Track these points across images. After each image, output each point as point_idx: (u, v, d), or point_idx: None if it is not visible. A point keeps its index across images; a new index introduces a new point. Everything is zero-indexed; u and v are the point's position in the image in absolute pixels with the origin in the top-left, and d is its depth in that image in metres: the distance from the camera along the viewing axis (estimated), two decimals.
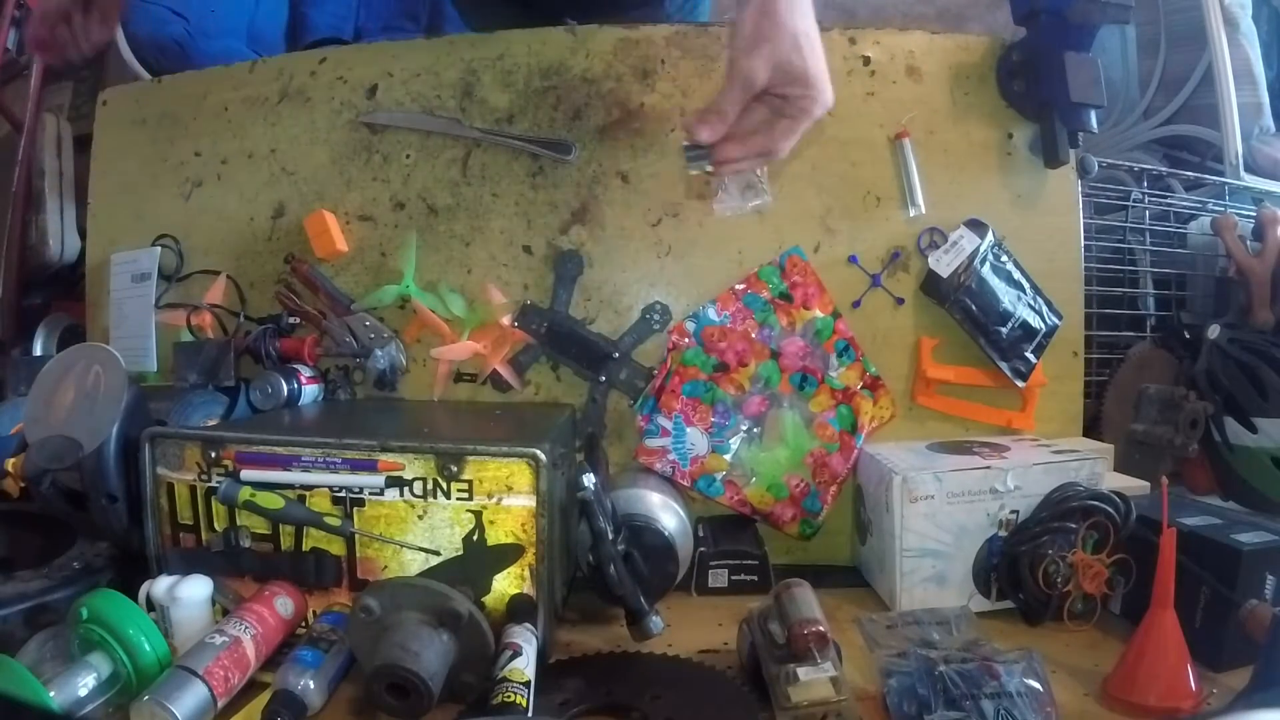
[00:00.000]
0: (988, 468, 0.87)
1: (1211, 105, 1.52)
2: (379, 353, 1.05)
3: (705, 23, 1.07)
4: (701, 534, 0.97)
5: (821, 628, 0.68)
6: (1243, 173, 1.47)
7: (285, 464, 0.75)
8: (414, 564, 0.75)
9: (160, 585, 0.73)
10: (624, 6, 1.19)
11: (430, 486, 0.74)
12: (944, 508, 0.87)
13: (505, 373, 1.05)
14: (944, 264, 1.02)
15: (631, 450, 1.03)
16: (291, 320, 1.08)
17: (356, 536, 0.75)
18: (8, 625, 0.70)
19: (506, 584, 0.76)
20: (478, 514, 0.75)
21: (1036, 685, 0.64)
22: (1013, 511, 0.87)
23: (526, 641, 0.69)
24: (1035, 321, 1.04)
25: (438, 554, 0.75)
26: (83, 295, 1.23)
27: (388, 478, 0.74)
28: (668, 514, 0.89)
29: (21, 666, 0.62)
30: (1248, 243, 1.20)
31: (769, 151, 0.76)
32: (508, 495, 0.74)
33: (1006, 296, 1.03)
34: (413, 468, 0.74)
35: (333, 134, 1.09)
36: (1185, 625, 0.70)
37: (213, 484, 0.76)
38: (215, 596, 0.75)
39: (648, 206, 1.05)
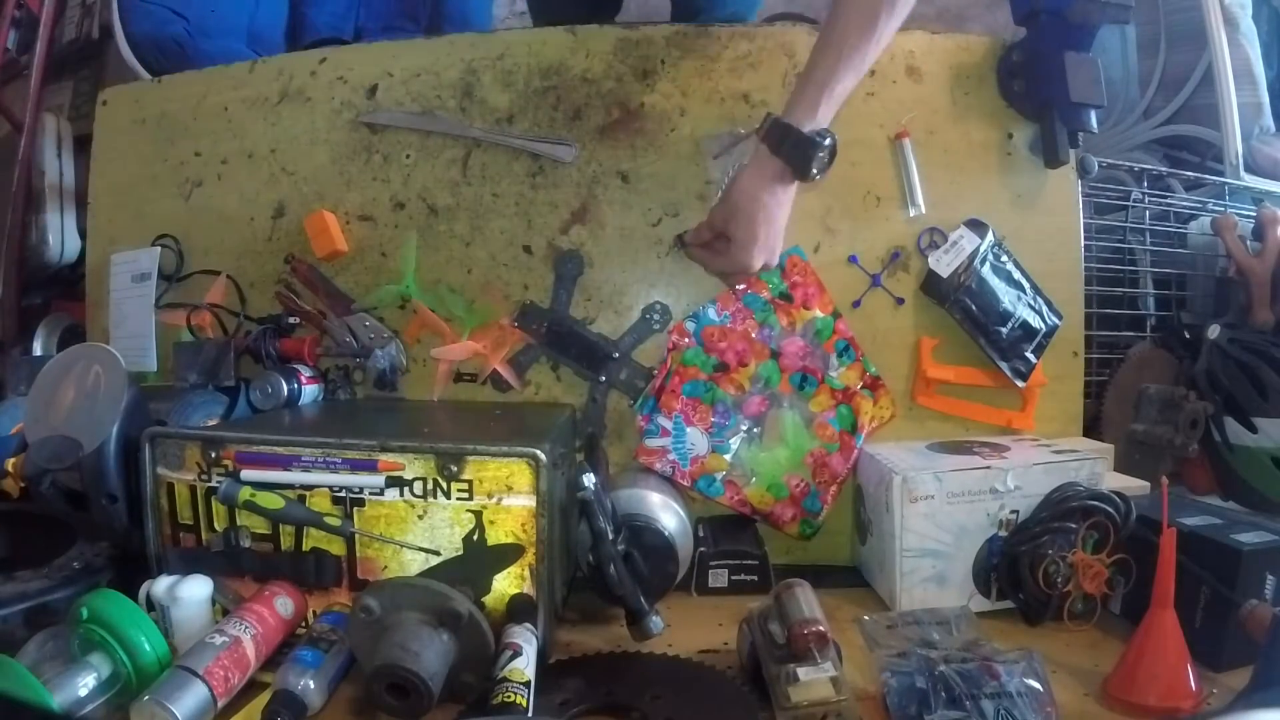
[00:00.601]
0: (988, 468, 0.87)
1: (1211, 105, 1.52)
2: (379, 353, 1.05)
3: (705, 23, 1.07)
4: (701, 534, 0.97)
5: (821, 628, 0.68)
6: (1243, 173, 1.47)
7: (285, 464, 0.75)
8: (414, 564, 0.75)
9: (160, 585, 0.73)
10: None
11: (430, 486, 0.74)
12: (944, 508, 0.87)
13: (505, 373, 1.05)
14: (944, 264, 1.02)
15: (631, 450, 1.03)
16: (291, 320, 1.08)
17: (356, 536, 0.75)
18: (8, 625, 0.70)
19: (506, 584, 0.76)
20: (478, 514, 0.74)
21: (1036, 685, 0.64)
22: (1013, 511, 0.87)
23: (526, 641, 0.69)
24: (1035, 321, 1.04)
25: (438, 554, 0.75)
26: (83, 295, 1.23)
27: (388, 478, 0.74)
28: (668, 514, 0.89)
29: (21, 666, 0.61)
30: (1248, 243, 1.20)
31: (711, 270, 0.99)
32: (508, 495, 0.74)
33: (1006, 296, 1.03)
34: (413, 468, 0.74)
35: (333, 134, 1.09)
36: (1185, 625, 0.70)
37: (213, 484, 0.76)
38: (215, 596, 0.75)
39: (648, 206, 1.05)
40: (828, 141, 0.88)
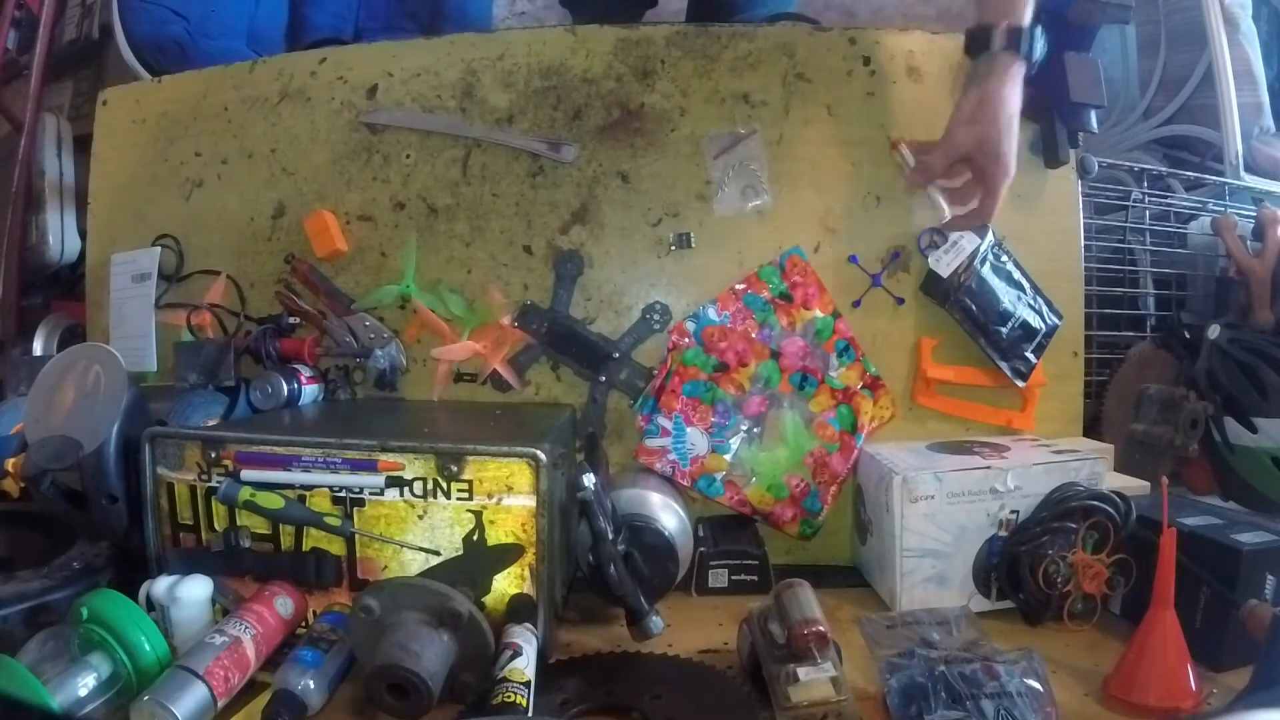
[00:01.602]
0: (988, 468, 0.87)
1: (1211, 105, 1.52)
2: (379, 353, 1.05)
3: (705, 23, 1.07)
4: (701, 534, 0.97)
5: (821, 628, 0.68)
6: (1243, 173, 1.47)
7: (285, 464, 0.75)
8: (414, 564, 0.75)
9: (160, 585, 0.73)
10: None
11: (430, 486, 0.74)
12: (944, 508, 0.87)
13: (505, 373, 1.05)
14: (944, 264, 1.02)
15: (631, 450, 1.03)
16: (291, 320, 1.08)
17: (356, 536, 0.75)
18: (8, 625, 0.70)
19: (506, 584, 0.76)
20: (478, 514, 0.74)
21: (1036, 685, 0.64)
22: (1013, 511, 0.87)
23: (526, 641, 0.69)
24: (1035, 321, 1.04)
25: (438, 554, 0.75)
26: (83, 295, 1.23)
27: (388, 478, 0.74)
28: (668, 514, 0.89)
29: (21, 666, 0.61)
30: (1248, 243, 1.21)
31: (980, 217, 0.97)
32: (508, 495, 0.74)
33: (1006, 296, 1.03)
34: (413, 468, 0.74)
35: (333, 134, 1.09)
36: (1185, 625, 0.70)
37: (213, 484, 0.76)
38: (215, 596, 0.75)
39: (648, 206, 1.05)
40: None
